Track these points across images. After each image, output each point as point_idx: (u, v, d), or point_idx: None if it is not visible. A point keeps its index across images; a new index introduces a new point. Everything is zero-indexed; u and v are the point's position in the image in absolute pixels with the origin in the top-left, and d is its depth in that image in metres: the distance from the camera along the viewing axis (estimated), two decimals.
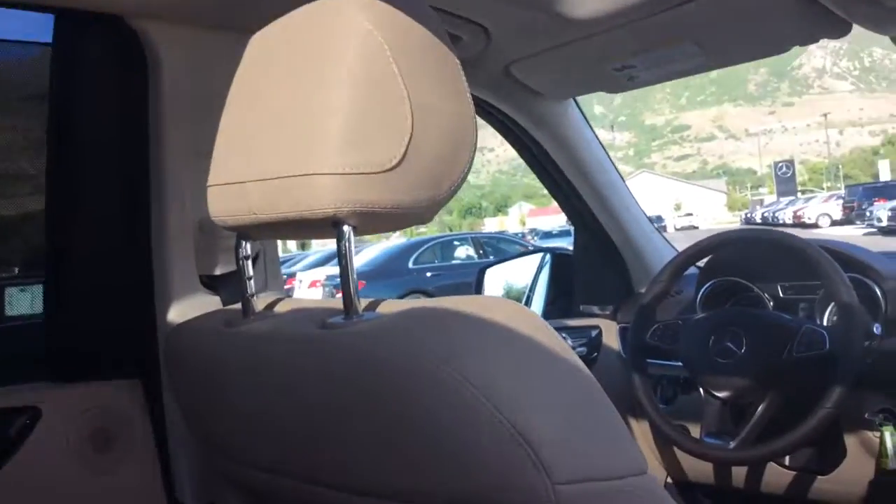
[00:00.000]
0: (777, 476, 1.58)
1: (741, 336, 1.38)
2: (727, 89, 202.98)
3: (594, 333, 1.84)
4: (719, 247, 1.54)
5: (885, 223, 19.56)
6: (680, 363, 1.54)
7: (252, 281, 0.79)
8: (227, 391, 0.75)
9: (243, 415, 0.74)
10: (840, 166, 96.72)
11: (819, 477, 1.53)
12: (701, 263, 1.73)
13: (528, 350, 0.58)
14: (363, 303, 0.68)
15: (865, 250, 1.54)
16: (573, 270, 1.96)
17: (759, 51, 1.37)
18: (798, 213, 31.26)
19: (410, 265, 10.84)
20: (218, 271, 1.05)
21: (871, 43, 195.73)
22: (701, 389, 1.44)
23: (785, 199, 40.64)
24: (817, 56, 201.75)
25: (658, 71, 1.42)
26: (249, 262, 0.79)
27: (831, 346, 1.28)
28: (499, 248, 11.94)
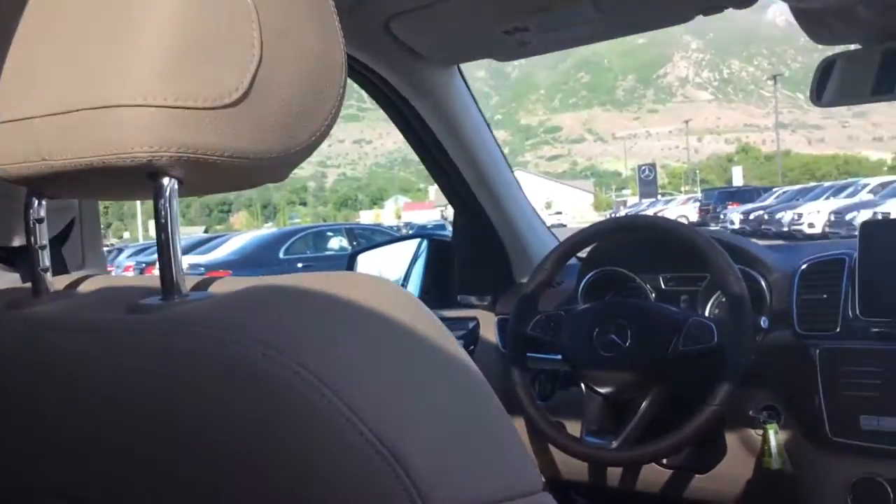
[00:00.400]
0: (653, 474, 1.53)
1: (627, 328, 1.31)
2: (597, 94, 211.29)
3: (472, 325, 1.73)
4: (608, 233, 1.45)
5: (737, 225, 20.86)
6: (561, 356, 1.46)
7: (47, 252, 0.60)
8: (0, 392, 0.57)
9: (22, 424, 0.56)
10: (698, 171, 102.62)
11: (697, 475, 1.48)
12: (583, 254, 1.66)
13: (404, 342, 0.44)
14: (193, 281, 0.53)
15: (751, 242, 1.51)
16: (451, 258, 1.84)
17: (660, 18, 1.29)
18: (658, 215, 32.67)
19: (281, 255, 10.49)
20: (16, 242, 0.84)
21: (730, 56, 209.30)
22: (582, 385, 1.35)
23: (646, 201, 42.51)
24: (681, 66, 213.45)
25: (553, 36, 1.32)
26: (42, 227, 0.60)
27: (719, 340, 1.23)
28: (373, 240, 11.74)
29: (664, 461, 1.51)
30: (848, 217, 15.38)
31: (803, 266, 1.33)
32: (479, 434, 0.44)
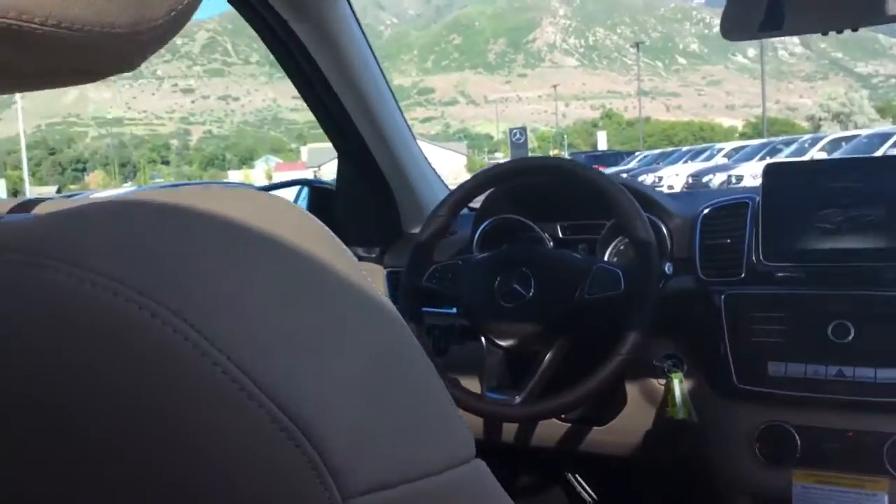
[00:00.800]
0: (549, 429, 1.47)
1: (530, 277, 1.22)
2: (469, 57, 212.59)
3: None
4: (509, 176, 1.35)
5: None
6: (459, 309, 1.36)
7: None
8: None
9: None
10: (565, 135, 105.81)
11: (595, 428, 1.44)
12: (476, 203, 1.56)
13: (305, 274, 0.33)
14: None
15: (649, 186, 1.45)
16: (334, 206, 1.69)
17: None
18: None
19: None
20: None
21: (595, 23, 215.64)
22: (482, 338, 1.26)
23: None
24: (549, 31, 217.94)
25: None
26: None
27: (627, 286, 1.16)
28: None
29: (562, 415, 1.45)
30: (704, 179, 16.27)
31: (705, 211, 1.28)
32: (404, 393, 0.34)
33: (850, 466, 1.10)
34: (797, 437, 1.13)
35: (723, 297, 1.20)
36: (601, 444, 1.45)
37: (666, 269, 1.22)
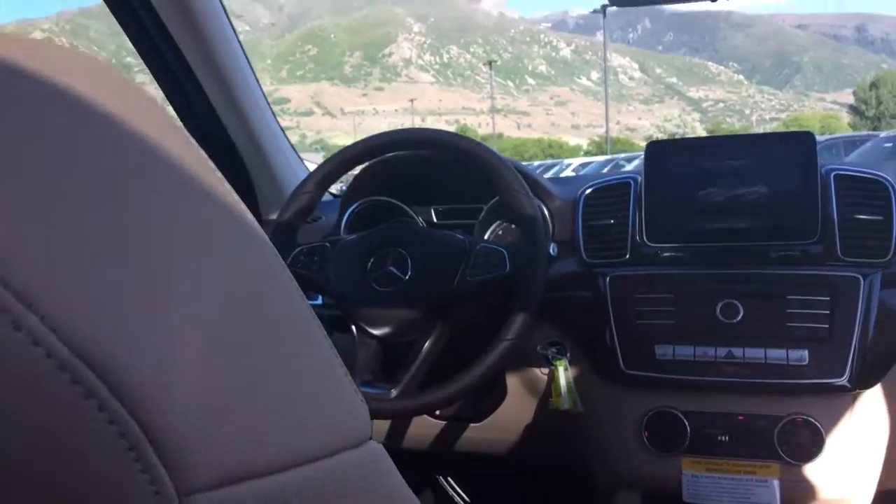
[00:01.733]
0: (422, 427, 1.36)
1: (406, 258, 1.10)
2: (325, 68, 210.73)
3: None
4: (384, 148, 1.21)
5: None
6: (323, 298, 1.23)
7: None
8: None
9: None
10: None
11: (472, 425, 1.34)
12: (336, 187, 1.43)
13: (135, 171, 0.23)
14: None
15: (525, 166, 1.38)
16: None
17: None
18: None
19: None
20: None
21: (449, 41, 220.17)
22: (353, 328, 1.13)
23: None
24: (405, 47, 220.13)
25: None
26: None
27: (512, 267, 1.07)
28: None
29: (437, 412, 1.34)
30: None
31: (587, 191, 1.22)
32: (275, 354, 0.26)
33: (741, 452, 1.06)
34: (686, 423, 1.08)
35: (607, 279, 1.14)
36: (478, 443, 1.36)
37: (551, 250, 1.14)
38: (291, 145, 1.61)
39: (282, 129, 1.58)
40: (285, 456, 0.24)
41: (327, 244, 1.18)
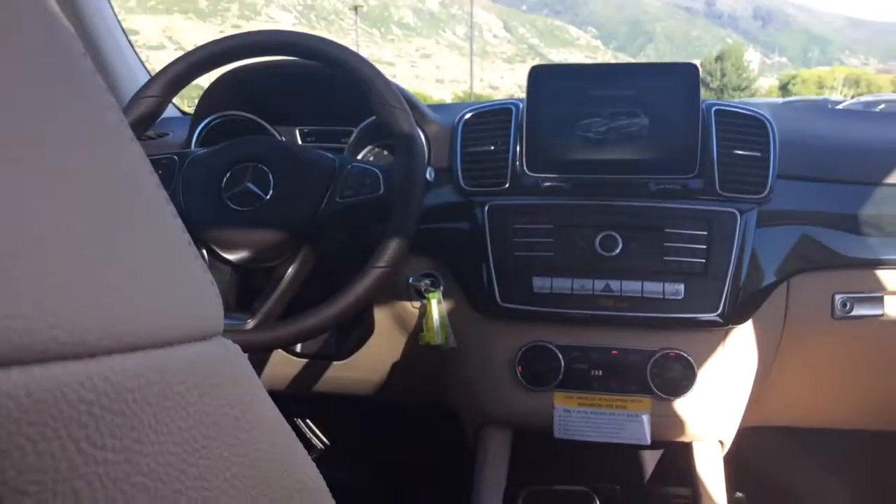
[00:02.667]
0: (281, 367, 1.26)
1: (268, 175, 0.99)
2: (178, 0, 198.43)
3: None
4: (238, 51, 1.07)
5: None
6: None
7: None
8: None
9: None
10: None
11: (335, 363, 1.25)
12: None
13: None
14: None
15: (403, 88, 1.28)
16: None
17: None
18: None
19: None
20: None
21: None
22: (205, 251, 1.00)
23: None
24: None
25: None
26: None
27: (387, 189, 0.98)
28: None
29: (297, 349, 1.25)
30: None
31: (466, 115, 1.14)
32: (108, 224, 0.23)
33: (613, 386, 1.04)
34: (560, 356, 1.04)
35: (486, 208, 1.07)
36: (342, 382, 1.28)
37: (428, 174, 1.05)
38: (137, 55, 1.43)
39: (127, 39, 1.39)
40: (115, 338, 0.21)
41: (174, 156, 1.03)
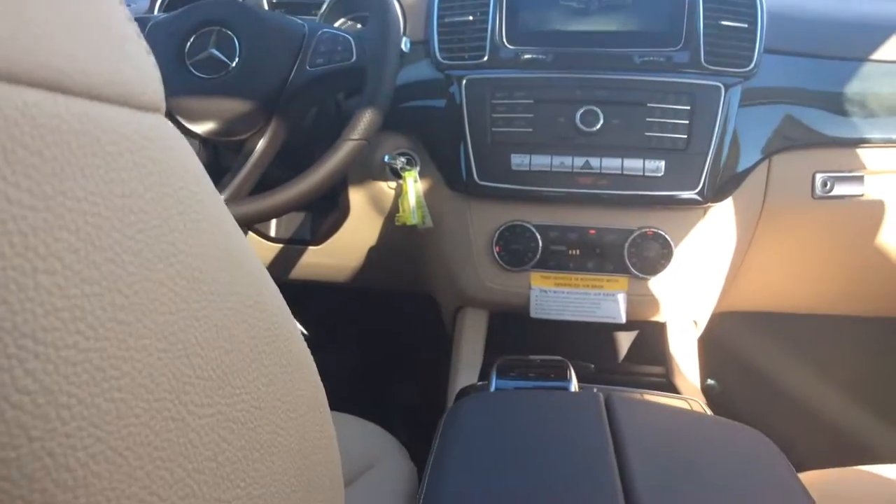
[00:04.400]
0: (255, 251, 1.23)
1: (234, 41, 0.93)
2: None
3: None
4: None
5: None
6: None
7: None
8: None
9: None
10: None
11: (310, 248, 1.23)
12: None
13: None
14: None
15: None
16: None
17: None
18: None
19: None
20: None
21: None
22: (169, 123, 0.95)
23: None
24: None
25: None
26: None
27: (359, 56, 0.93)
28: None
29: (270, 233, 1.22)
30: None
31: None
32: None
33: (590, 266, 1.03)
34: (538, 236, 1.03)
35: (463, 82, 1.03)
36: (318, 268, 1.26)
37: (403, 44, 1.00)
38: None
39: None
40: (28, 68, 0.19)
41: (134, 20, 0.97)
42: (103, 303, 0.20)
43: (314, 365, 0.37)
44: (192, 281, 0.25)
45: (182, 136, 0.27)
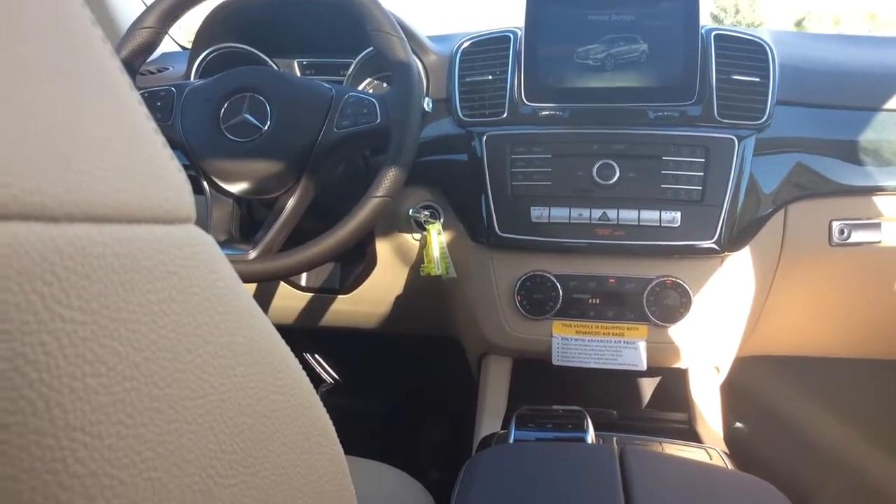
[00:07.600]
0: (286, 300, 1.28)
1: (266, 105, 0.99)
2: None
3: None
4: None
5: None
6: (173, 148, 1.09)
7: None
8: None
9: None
10: None
11: (339, 297, 1.27)
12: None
13: None
14: None
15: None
16: None
17: None
18: None
19: None
20: None
21: None
22: (206, 183, 1.01)
23: None
24: None
25: None
26: None
27: (384, 119, 0.98)
28: None
29: (301, 282, 1.26)
30: None
31: (464, 44, 1.13)
32: (68, 97, 0.24)
33: (610, 314, 1.06)
34: (558, 285, 1.06)
35: (483, 138, 1.07)
36: (346, 316, 1.30)
37: (426, 104, 1.05)
38: None
39: None
40: (72, 207, 0.22)
41: (172, 88, 1.03)
42: (141, 395, 0.24)
43: (333, 429, 0.40)
44: (219, 368, 0.28)
45: (211, 240, 0.29)
